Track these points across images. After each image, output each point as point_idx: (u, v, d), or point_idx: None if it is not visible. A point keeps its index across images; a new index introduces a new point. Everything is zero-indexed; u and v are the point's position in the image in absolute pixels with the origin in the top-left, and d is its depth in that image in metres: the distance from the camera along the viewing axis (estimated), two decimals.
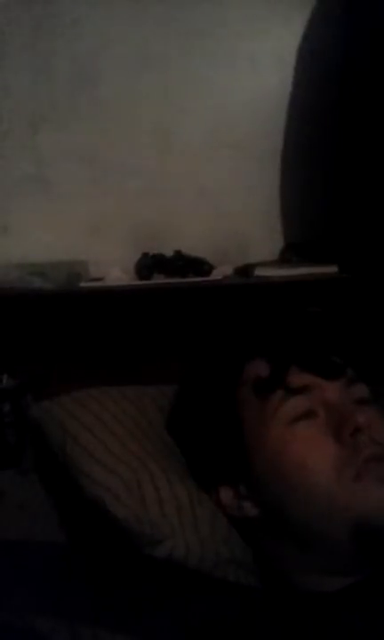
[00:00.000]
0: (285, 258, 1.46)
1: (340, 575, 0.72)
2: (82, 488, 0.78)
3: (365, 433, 0.71)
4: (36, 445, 0.91)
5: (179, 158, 1.46)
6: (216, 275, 1.35)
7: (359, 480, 0.69)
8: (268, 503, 0.75)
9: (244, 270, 1.38)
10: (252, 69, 1.47)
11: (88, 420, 0.83)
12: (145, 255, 1.38)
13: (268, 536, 0.76)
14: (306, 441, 0.72)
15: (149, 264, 1.36)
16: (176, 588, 0.76)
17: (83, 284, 1.33)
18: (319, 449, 0.71)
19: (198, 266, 1.35)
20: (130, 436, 0.82)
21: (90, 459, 0.79)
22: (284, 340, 0.78)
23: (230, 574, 0.79)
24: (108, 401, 0.87)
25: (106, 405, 0.86)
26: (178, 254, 1.37)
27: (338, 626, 0.68)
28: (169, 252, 1.37)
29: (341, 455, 0.70)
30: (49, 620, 0.73)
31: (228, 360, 0.80)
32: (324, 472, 0.70)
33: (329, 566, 0.73)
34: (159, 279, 1.35)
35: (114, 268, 1.39)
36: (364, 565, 0.71)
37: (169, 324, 1.26)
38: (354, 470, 0.70)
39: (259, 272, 1.35)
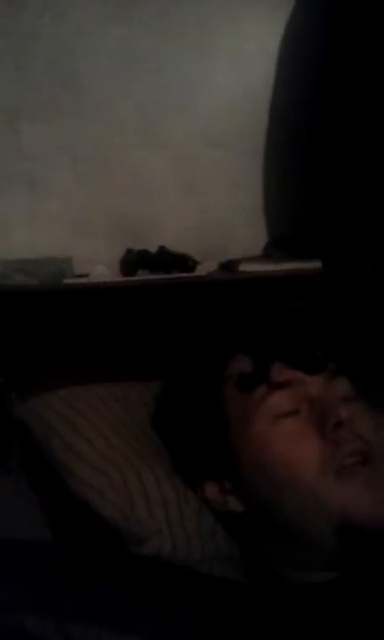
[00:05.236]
0: (269, 253, 1.47)
1: (324, 570, 0.72)
2: (68, 486, 0.78)
3: (347, 427, 0.71)
4: (22, 444, 0.91)
5: (162, 155, 1.46)
6: (200, 270, 1.36)
7: (343, 479, 0.69)
8: (252, 498, 0.75)
9: (229, 266, 1.39)
10: (234, 67, 1.48)
11: (73, 417, 0.83)
12: (129, 251, 1.38)
13: (253, 530, 0.77)
14: (289, 437, 0.72)
15: (134, 260, 1.36)
16: (163, 584, 0.77)
17: (67, 281, 1.33)
18: (303, 445, 0.71)
19: (182, 262, 1.35)
20: (116, 434, 0.82)
21: (75, 456, 0.78)
22: (267, 335, 0.79)
23: (216, 570, 0.79)
24: (93, 398, 0.87)
25: (91, 403, 0.86)
26: (162, 250, 1.37)
27: (324, 619, 0.68)
28: (153, 249, 1.37)
29: (324, 450, 0.70)
30: (37, 618, 0.73)
31: (211, 356, 0.80)
32: (307, 468, 0.70)
33: (312, 561, 0.73)
34: (143, 275, 1.35)
35: (98, 264, 1.38)
36: (347, 562, 0.71)
37: (153, 320, 1.26)
38: (336, 465, 0.70)
39: (243, 268, 1.36)
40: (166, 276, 1.34)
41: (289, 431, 0.72)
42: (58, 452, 0.80)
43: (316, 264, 1.35)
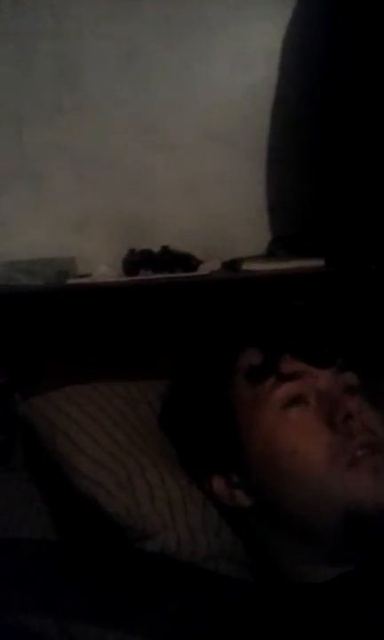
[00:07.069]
0: (272, 252, 1.47)
1: (330, 565, 0.72)
2: (72, 484, 0.78)
3: (357, 419, 0.72)
4: (26, 442, 0.91)
5: (165, 154, 1.46)
6: (203, 270, 1.35)
7: (352, 469, 0.69)
8: (259, 490, 0.75)
9: (232, 265, 1.38)
10: (237, 65, 1.47)
11: (78, 415, 0.83)
12: (132, 251, 1.38)
13: (260, 525, 0.76)
14: (298, 426, 0.72)
15: (137, 260, 1.36)
16: (168, 582, 0.77)
17: (70, 281, 1.33)
18: (311, 435, 0.71)
19: (186, 261, 1.35)
20: (120, 431, 0.82)
21: (80, 454, 0.79)
22: (277, 329, 0.79)
23: (221, 567, 0.79)
24: (97, 396, 0.87)
25: (95, 400, 0.86)
26: (165, 250, 1.37)
27: (329, 617, 0.68)
28: (156, 248, 1.37)
29: (334, 441, 0.70)
30: (40, 617, 0.73)
31: (221, 350, 0.80)
32: (316, 458, 0.70)
33: (320, 555, 0.73)
34: (147, 275, 1.35)
35: (101, 264, 1.38)
36: (354, 555, 0.71)
37: (157, 320, 1.26)
38: (347, 457, 0.70)
39: (246, 266, 1.36)
40: (169, 275, 1.34)
41: (297, 421, 0.72)
42: (62, 449, 0.80)
43: (319, 262, 1.34)
